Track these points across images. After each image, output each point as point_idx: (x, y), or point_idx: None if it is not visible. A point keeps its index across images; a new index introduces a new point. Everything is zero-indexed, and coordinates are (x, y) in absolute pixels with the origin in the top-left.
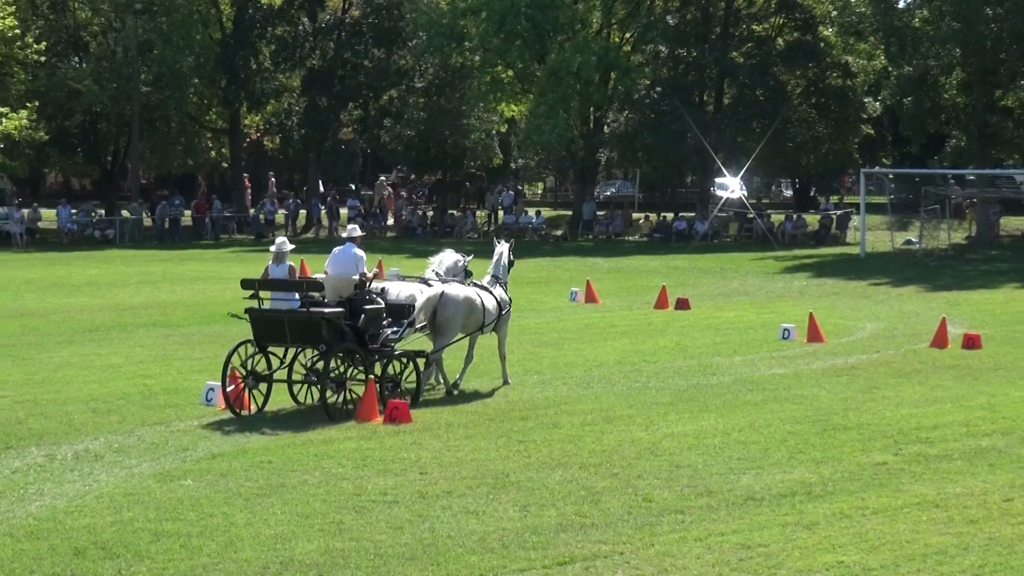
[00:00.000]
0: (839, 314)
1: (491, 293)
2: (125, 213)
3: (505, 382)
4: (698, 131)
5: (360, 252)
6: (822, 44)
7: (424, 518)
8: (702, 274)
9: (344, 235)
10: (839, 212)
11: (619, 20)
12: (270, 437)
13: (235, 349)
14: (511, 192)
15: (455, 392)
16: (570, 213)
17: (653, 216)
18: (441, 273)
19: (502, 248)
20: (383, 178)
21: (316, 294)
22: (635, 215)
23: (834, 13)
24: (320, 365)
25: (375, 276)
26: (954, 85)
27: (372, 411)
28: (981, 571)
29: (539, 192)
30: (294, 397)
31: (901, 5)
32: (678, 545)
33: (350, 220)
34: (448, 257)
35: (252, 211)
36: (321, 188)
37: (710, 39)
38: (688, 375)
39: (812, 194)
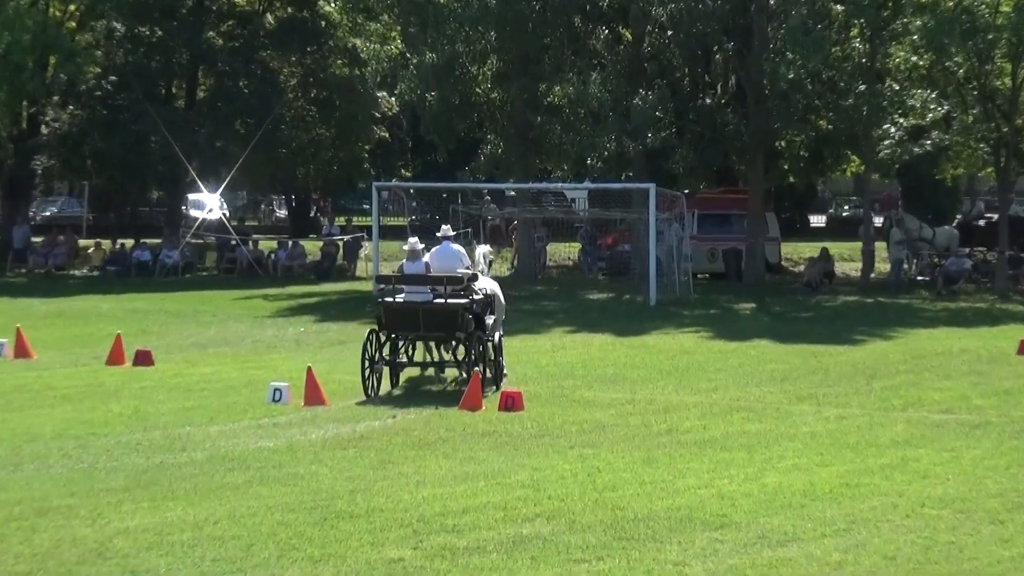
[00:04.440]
0: (346, 368)
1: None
2: None
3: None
4: (167, 132)
5: (459, 247)
6: (323, 23)
7: None
8: (170, 318)
9: (439, 235)
10: (347, 238)
11: None
12: None
13: (368, 338)
14: None
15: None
16: None
17: (107, 243)
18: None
19: (484, 250)
20: None
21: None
22: (83, 242)
23: None
24: (460, 352)
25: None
26: (489, 77)
27: None
28: None
29: None
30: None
31: None
32: None
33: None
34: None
35: None
36: None
37: (180, 14)
38: (150, 451)
39: (313, 214)
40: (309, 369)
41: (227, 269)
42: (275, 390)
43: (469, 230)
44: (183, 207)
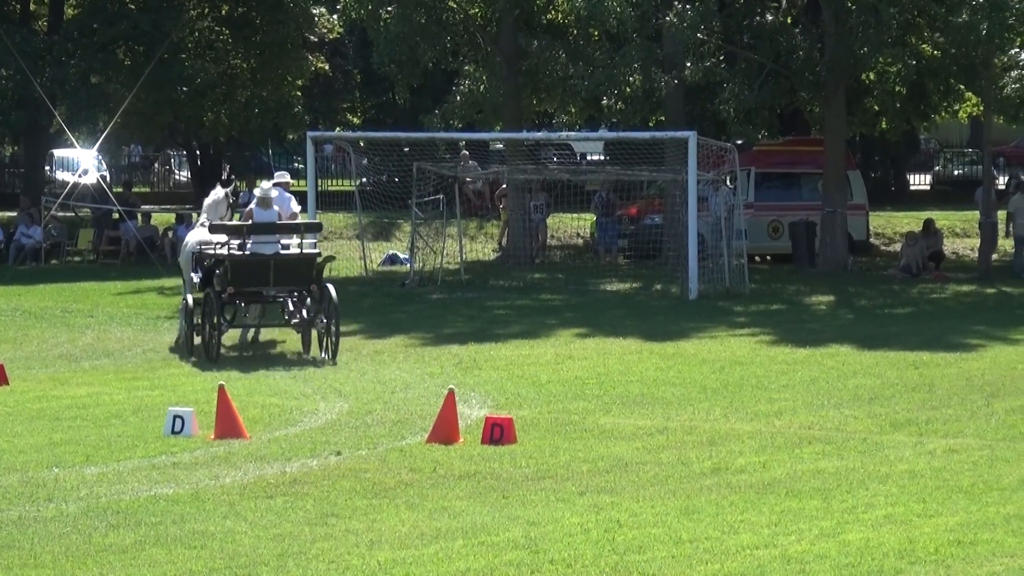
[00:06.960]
0: (274, 386)
1: None
2: None
3: None
4: (22, 64)
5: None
6: None
7: None
8: (30, 321)
9: (270, 184)
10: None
11: None
12: None
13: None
14: None
15: None
16: None
17: None
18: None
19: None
20: None
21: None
22: None
23: None
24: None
25: None
26: None
27: None
28: None
29: None
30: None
31: None
32: None
33: None
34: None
35: None
36: None
37: None
38: (4, 503)
39: (226, 175)
40: (222, 388)
41: (108, 253)
42: (175, 418)
43: (441, 197)
44: (46, 168)
